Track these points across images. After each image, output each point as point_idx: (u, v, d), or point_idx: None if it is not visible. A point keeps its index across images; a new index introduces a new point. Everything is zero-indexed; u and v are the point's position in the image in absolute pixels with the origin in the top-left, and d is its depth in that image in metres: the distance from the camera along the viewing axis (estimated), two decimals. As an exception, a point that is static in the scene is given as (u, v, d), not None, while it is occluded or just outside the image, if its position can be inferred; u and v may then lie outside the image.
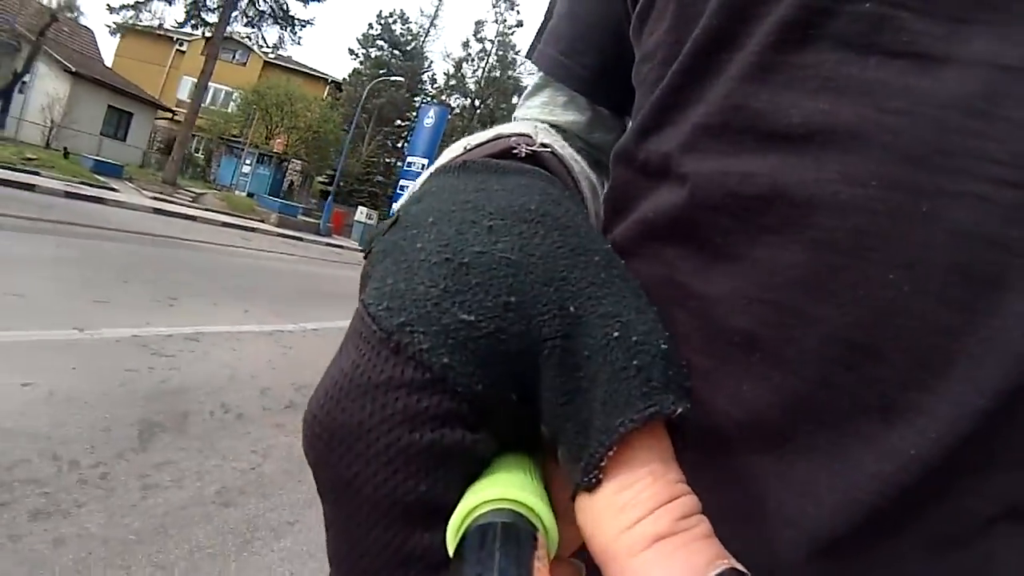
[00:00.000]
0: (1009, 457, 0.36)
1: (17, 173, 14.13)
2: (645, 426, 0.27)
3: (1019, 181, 0.36)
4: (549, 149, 0.42)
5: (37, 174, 15.03)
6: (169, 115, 30.27)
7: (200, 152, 32.51)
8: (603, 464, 0.26)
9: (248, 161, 29.14)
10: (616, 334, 0.28)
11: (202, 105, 28.86)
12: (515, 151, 0.41)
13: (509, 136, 0.42)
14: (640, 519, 0.25)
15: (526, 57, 0.74)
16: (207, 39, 30.48)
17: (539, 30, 0.74)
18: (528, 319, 0.28)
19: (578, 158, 0.43)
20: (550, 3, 0.75)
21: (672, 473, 0.27)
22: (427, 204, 0.33)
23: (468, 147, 0.43)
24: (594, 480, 0.26)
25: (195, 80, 32.89)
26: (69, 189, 14.24)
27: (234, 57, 35.31)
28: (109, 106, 25.57)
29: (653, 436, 0.27)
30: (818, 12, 0.40)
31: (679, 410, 0.27)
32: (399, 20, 44.73)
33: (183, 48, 35.05)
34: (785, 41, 0.41)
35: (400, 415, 0.26)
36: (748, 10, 0.43)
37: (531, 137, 0.42)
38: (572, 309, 0.28)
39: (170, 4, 29.26)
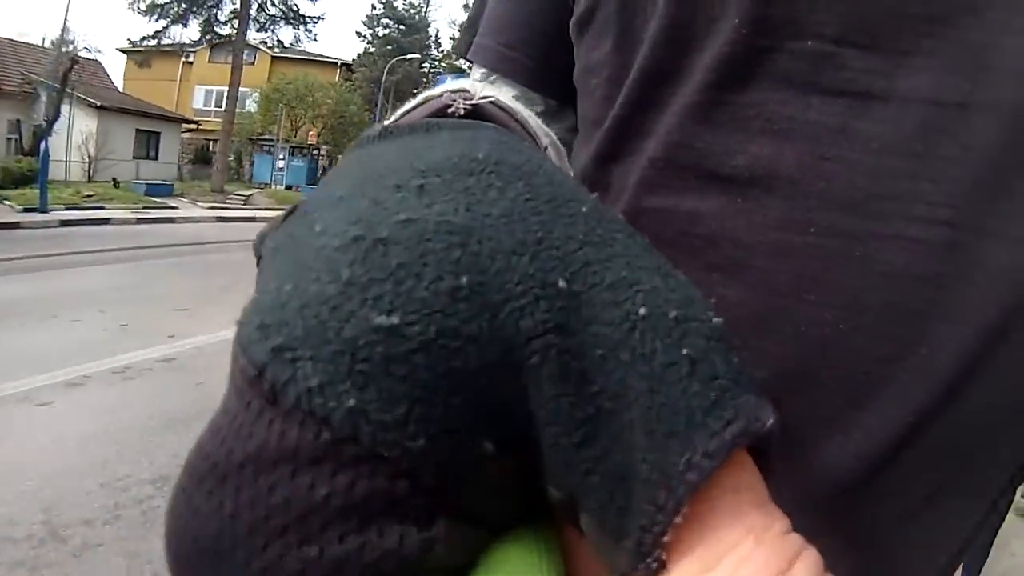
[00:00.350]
0: (938, 450, 0.40)
1: (85, 211, 15.31)
2: (728, 458, 0.18)
3: (951, 219, 0.38)
4: (491, 99, 0.33)
5: (102, 208, 16.23)
6: (194, 126, 31.36)
7: (231, 156, 33.65)
8: (666, 539, 0.17)
9: (281, 156, 30.09)
10: (643, 310, 0.18)
11: (218, 109, 30.10)
12: (451, 110, 0.31)
13: (440, 95, 0.33)
14: None
15: (455, 53, 0.80)
16: (211, 46, 31.48)
17: (469, 22, 0.69)
18: (493, 310, 0.18)
19: (533, 115, 0.36)
20: None
21: (778, 522, 0.19)
22: (335, 182, 0.23)
23: (392, 119, 0.33)
24: (655, 565, 0.18)
25: (208, 88, 34.19)
26: (138, 216, 15.47)
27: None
28: (136, 130, 26.60)
29: (736, 467, 0.19)
30: (760, 50, 0.41)
31: (770, 421, 0.18)
32: (400, -2, 45.31)
33: (190, 60, 35.95)
34: (727, 79, 0.42)
35: (281, 517, 0.17)
36: (690, 43, 0.44)
37: (469, 91, 0.33)
38: (563, 284, 0.19)
39: (185, 26, 30.04)
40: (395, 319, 0.17)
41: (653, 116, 0.45)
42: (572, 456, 0.18)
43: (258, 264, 0.24)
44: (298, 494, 0.17)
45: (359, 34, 46.12)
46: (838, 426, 0.39)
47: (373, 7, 45.89)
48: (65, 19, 16.77)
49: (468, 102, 0.32)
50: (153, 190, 21.14)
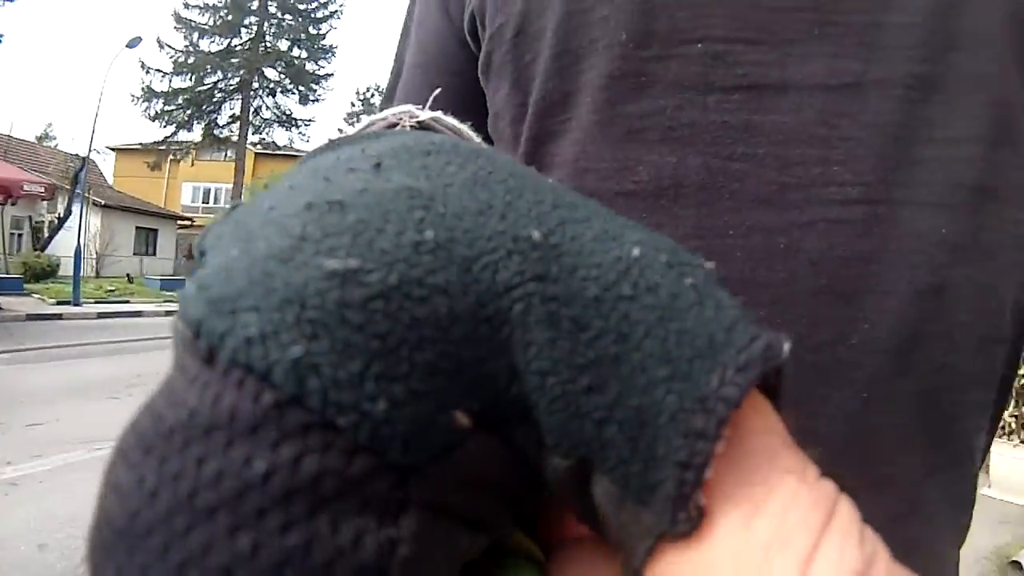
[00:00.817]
0: (904, 423, 0.40)
1: (114, 305, 16.81)
2: (752, 390, 0.16)
3: (864, 196, 0.40)
4: (435, 117, 0.33)
5: (128, 302, 17.65)
6: (188, 222, 32.89)
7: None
8: (709, 474, 0.15)
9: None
10: (636, 252, 0.17)
11: (206, 205, 32.05)
12: (398, 127, 0.31)
13: (385, 117, 0.33)
14: (811, 559, 0.15)
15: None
16: (198, 146, 33.43)
17: (386, 95, 0.70)
18: (463, 264, 0.16)
19: (477, 136, 0.34)
20: (396, 61, 0.69)
21: (812, 465, 0.17)
22: (283, 181, 0.20)
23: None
24: (696, 513, 0.15)
25: (195, 185, 36.04)
26: (165, 310, 16.86)
27: (226, 156, 38.00)
28: (136, 227, 28.14)
29: (760, 406, 0.17)
30: (649, 60, 0.42)
31: (786, 346, 0.17)
32: (376, 92, 47.93)
33: (176, 157, 37.74)
34: (619, 94, 0.43)
35: (210, 495, 0.14)
36: (578, 67, 0.45)
37: (414, 112, 0.33)
38: (537, 236, 0.17)
39: (189, 131, 32.18)
40: (353, 263, 0.15)
41: (553, 148, 0.47)
42: (581, 404, 0.16)
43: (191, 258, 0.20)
44: (232, 469, 0.14)
45: (340, 131, 48.42)
46: (794, 425, 0.36)
47: (352, 104, 48.50)
48: (94, 127, 18.36)
49: (415, 119, 0.32)
50: (167, 285, 22.58)
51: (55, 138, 35.91)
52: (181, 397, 0.15)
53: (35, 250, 21.41)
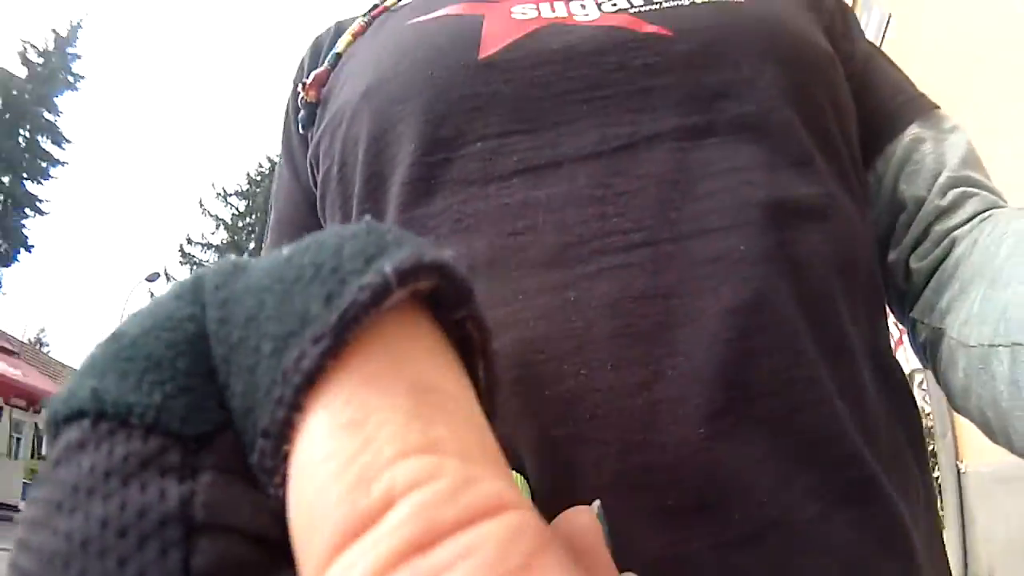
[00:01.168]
0: (782, 457, 0.38)
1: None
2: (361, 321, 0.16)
3: (649, 239, 0.41)
4: None
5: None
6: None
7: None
8: (283, 447, 0.16)
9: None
10: (285, 252, 0.19)
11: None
12: None
13: None
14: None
15: None
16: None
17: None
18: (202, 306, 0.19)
19: None
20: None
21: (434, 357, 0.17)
22: None
23: None
24: (281, 493, 0.16)
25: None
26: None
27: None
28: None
29: (366, 368, 0.16)
30: (436, 164, 0.45)
31: (427, 257, 0.16)
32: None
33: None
34: (411, 198, 0.46)
35: (58, 494, 0.17)
36: (383, 186, 0.48)
37: None
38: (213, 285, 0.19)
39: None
40: (122, 329, 0.19)
41: None
42: (226, 397, 0.18)
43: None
44: (71, 473, 0.17)
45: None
46: (627, 463, 0.38)
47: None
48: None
49: None
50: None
51: (48, 344, 37.86)
52: (48, 474, 0.17)
53: (33, 457, 22.81)
